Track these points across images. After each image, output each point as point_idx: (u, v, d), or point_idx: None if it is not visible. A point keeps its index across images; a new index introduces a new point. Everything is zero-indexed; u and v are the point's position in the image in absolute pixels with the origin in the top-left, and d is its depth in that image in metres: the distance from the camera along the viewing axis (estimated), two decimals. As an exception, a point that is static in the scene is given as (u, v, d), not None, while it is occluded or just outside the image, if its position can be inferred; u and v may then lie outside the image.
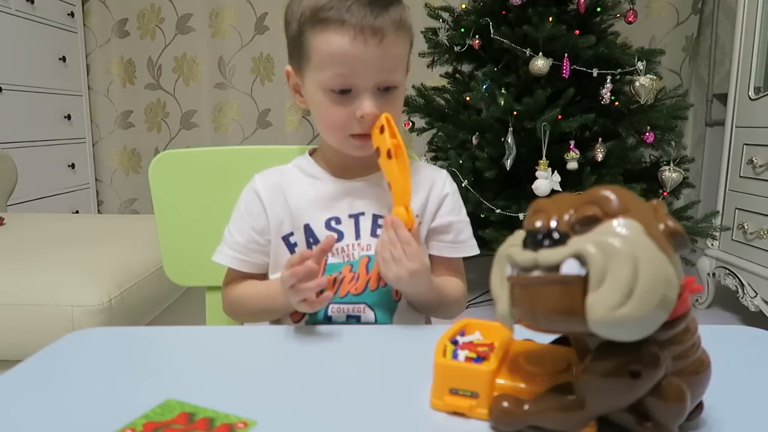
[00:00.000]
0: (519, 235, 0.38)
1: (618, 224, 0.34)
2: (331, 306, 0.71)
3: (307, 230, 0.73)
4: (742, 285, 1.97)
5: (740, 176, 2.00)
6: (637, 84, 1.85)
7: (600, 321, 0.33)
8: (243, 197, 0.78)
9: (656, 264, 0.33)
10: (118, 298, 1.12)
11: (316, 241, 0.73)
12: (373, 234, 0.73)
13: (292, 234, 0.75)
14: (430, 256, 0.79)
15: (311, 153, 0.81)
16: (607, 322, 0.33)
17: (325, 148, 0.78)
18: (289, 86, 0.78)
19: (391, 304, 0.73)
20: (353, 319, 0.71)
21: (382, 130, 0.67)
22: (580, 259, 0.33)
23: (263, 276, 0.77)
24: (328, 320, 0.71)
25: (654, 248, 0.33)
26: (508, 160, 1.87)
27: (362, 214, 0.74)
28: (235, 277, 0.77)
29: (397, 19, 0.68)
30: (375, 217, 0.74)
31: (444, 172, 0.81)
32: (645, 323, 0.33)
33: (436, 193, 0.78)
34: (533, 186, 1.83)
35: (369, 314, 0.71)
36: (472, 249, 0.80)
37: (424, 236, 0.78)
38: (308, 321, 0.72)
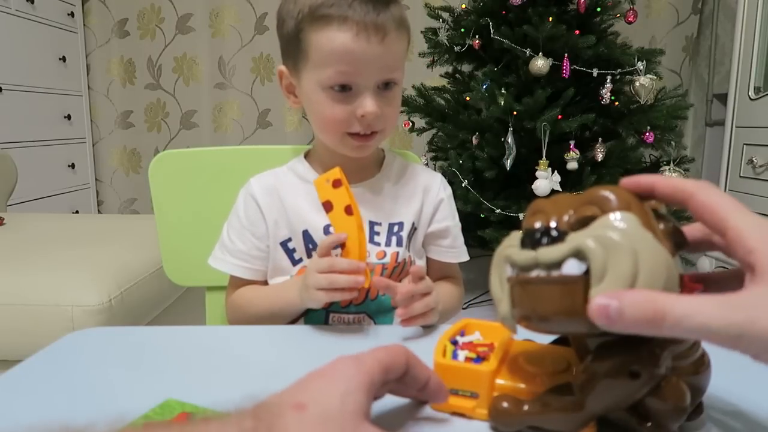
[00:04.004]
0: (515, 236, 0.38)
1: (615, 218, 0.34)
2: (332, 315, 0.71)
3: (306, 236, 0.72)
4: (742, 285, 1.97)
5: (740, 176, 2.00)
6: (637, 84, 1.85)
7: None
8: (240, 203, 0.76)
9: (656, 256, 0.33)
10: (118, 298, 1.12)
11: (316, 247, 0.72)
12: (371, 241, 0.72)
13: (290, 239, 0.74)
14: (428, 260, 0.79)
15: (306, 155, 0.79)
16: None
17: (320, 150, 0.77)
18: (281, 87, 0.76)
19: (390, 311, 0.73)
20: None
21: (335, 185, 0.62)
22: (580, 256, 0.33)
23: (265, 283, 0.76)
24: None
25: (653, 240, 0.33)
26: (508, 160, 1.87)
27: None
28: (238, 285, 0.76)
29: (398, 16, 0.68)
30: (372, 224, 0.73)
31: (439, 177, 0.81)
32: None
33: (432, 198, 0.78)
34: (533, 186, 1.84)
35: (369, 323, 0.72)
36: (466, 254, 0.81)
37: (421, 241, 0.78)
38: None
